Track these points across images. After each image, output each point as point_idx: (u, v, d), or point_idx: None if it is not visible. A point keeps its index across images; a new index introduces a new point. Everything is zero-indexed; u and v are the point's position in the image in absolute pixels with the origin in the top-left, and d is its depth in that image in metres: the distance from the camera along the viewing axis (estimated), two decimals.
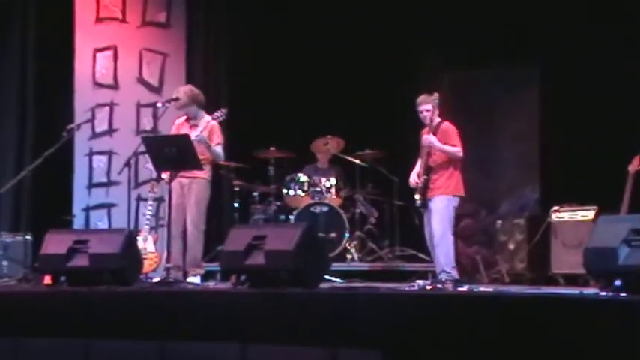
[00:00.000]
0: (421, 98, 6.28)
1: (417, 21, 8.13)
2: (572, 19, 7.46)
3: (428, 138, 6.19)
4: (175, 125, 6.72)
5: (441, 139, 6.20)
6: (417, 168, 6.32)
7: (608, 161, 6.80)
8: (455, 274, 6.12)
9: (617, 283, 4.46)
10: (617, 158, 6.50)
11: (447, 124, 6.28)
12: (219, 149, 6.51)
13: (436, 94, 6.23)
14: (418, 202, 6.22)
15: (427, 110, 6.22)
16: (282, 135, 8.01)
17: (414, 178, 6.31)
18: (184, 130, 6.52)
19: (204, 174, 6.44)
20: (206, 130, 6.38)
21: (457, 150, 6.22)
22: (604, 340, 4.00)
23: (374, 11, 8.23)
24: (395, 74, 8.23)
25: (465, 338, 4.30)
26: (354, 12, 8.27)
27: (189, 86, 6.94)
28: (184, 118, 6.65)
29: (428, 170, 6.19)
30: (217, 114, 6.44)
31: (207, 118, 6.50)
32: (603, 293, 4.50)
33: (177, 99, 6.56)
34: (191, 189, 6.44)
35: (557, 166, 7.59)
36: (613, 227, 4.69)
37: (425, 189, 6.18)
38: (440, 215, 6.15)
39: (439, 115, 6.30)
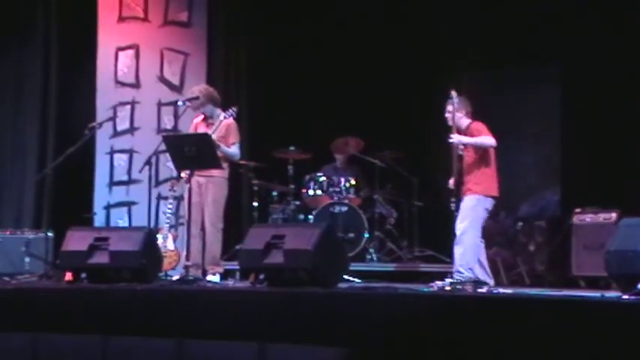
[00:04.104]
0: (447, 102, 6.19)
1: (435, 21, 8.10)
2: (593, 18, 7.38)
3: (455, 137, 6.04)
4: (193, 124, 6.74)
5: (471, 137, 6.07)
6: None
7: (631, 163, 6.73)
8: (470, 275, 5.88)
9: None
10: None
11: (476, 124, 6.14)
12: (234, 149, 6.51)
13: (453, 94, 6.09)
14: (453, 206, 6.06)
15: (448, 112, 6.15)
16: (302, 134, 8.02)
17: (451, 181, 6.17)
18: (201, 129, 6.54)
19: (221, 172, 6.43)
20: (220, 130, 6.38)
21: (488, 138, 6.00)
22: (626, 344, 3.95)
23: (393, 12, 8.21)
24: (414, 75, 8.20)
25: (484, 339, 4.27)
26: (374, 12, 8.26)
27: (204, 85, 6.96)
28: (202, 117, 6.67)
29: (460, 173, 6.07)
30: (228, 112, 6.45)
31: (222, 116, 6.52)
32: (625, 297, 4.45)
33: (197, 98, 6.58)
34: (208, 187, 6.45)
35: (578, 168, 7.53)
36: (636, 230, 4.65)
37: (458, 192, 6.05)
38: (465, 213, 5.98)
39: (469, 116, 6.15)
